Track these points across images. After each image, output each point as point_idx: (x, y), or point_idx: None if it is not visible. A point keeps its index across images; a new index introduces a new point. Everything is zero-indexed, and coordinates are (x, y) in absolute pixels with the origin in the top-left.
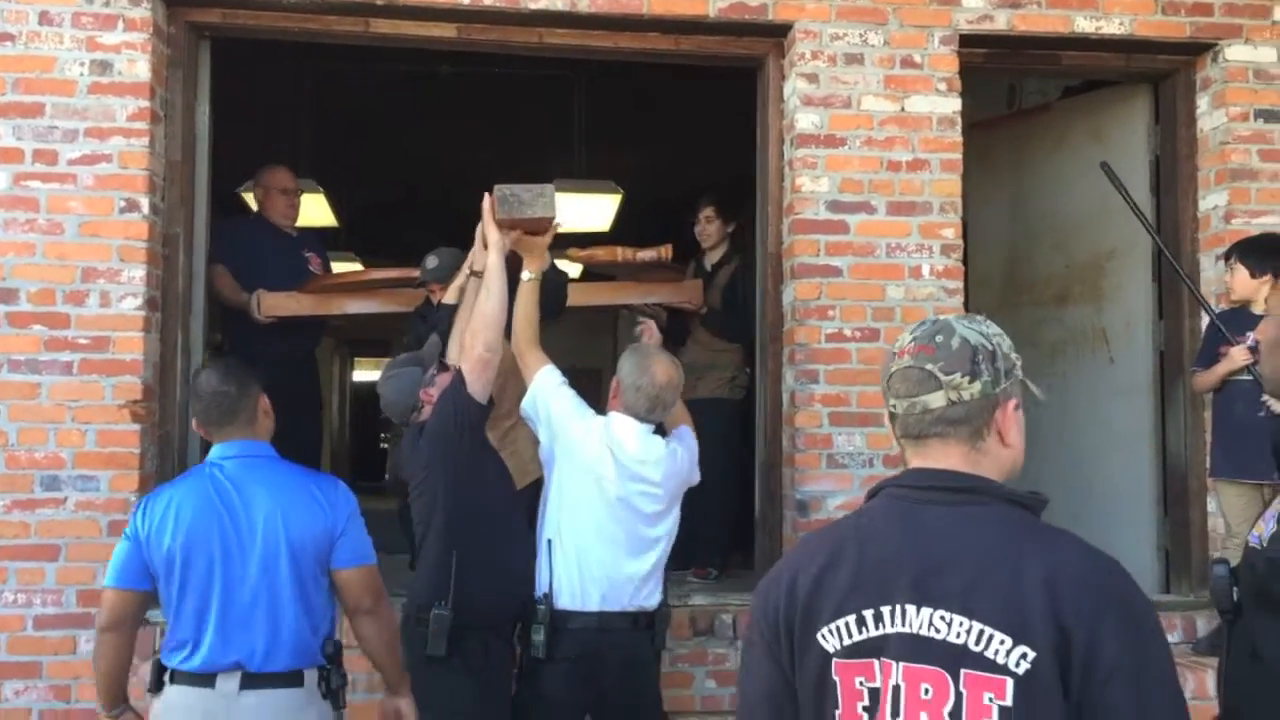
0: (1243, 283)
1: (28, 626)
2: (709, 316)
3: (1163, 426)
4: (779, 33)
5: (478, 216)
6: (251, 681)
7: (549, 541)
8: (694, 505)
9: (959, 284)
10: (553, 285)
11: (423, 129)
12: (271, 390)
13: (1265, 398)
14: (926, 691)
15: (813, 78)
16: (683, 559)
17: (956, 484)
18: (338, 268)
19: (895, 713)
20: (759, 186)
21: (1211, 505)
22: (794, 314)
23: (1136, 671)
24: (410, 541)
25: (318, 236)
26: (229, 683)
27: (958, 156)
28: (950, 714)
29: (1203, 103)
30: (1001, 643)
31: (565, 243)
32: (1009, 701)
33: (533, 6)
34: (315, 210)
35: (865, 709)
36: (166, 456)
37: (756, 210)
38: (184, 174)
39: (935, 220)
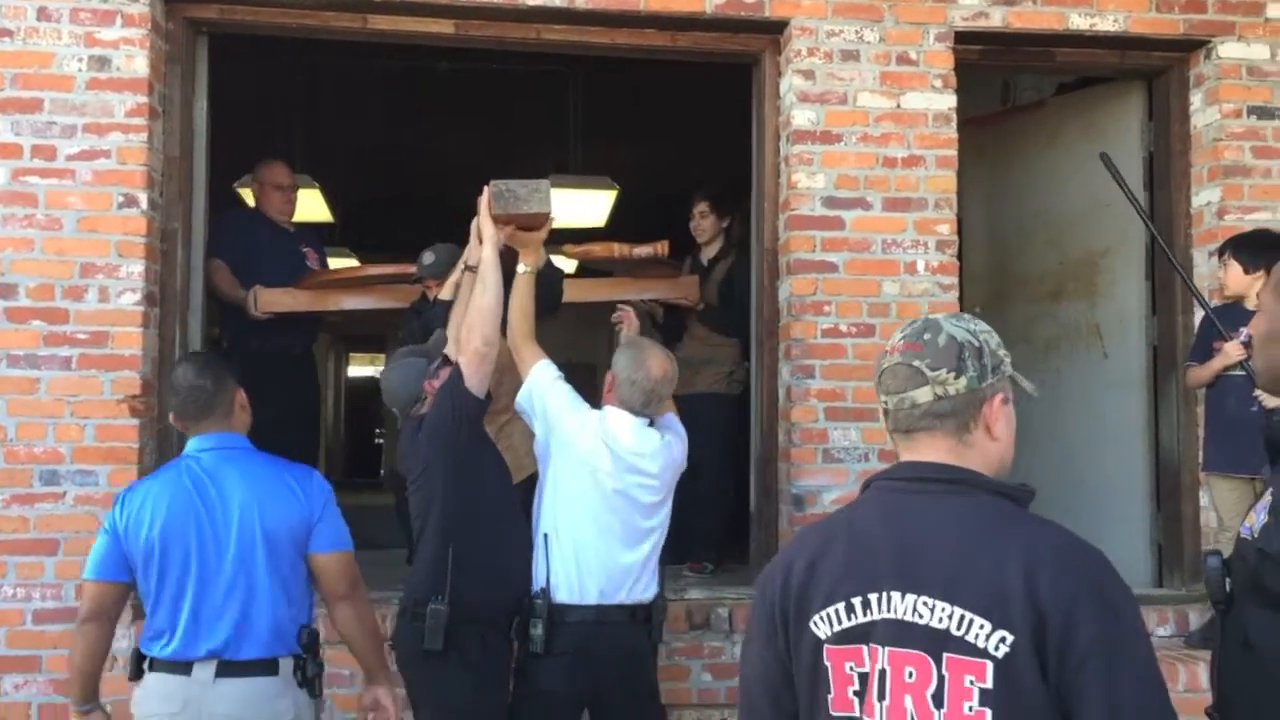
0: (1236, 278)
1: (27, 620)
2: (706, 312)
3: (1156, 421)
4: (775, 29)
5: (473, 212)
6: (227, 669)
7: (545, 536)
8: (690, 499)
9: (954, 280)
10: (549, 282)
11: (419, 124)
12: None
13: (1257, 393)
14: (910, 674)
15: (809, 74)
16: (679, 553)
17: (942, 476)
18: (333, 263)
19: (881, 696)
20: (755, 182)
21: (1204, 500)
22: (790, 309)
23: (1111, 654)
24: (408, 536)
25: (315, 232)
26: (205, 670)
27: (953, 153)
28: (933, 696)
29: (1196, 99)
30: (981, 627)
31: (561, 239)
32: (989, 684)
33: (530, 3)
34: (311, 205)
35: (855, 693)
36: (165, 451)
37: (752, 206)
38: (182, 169)
39: (930, 216)
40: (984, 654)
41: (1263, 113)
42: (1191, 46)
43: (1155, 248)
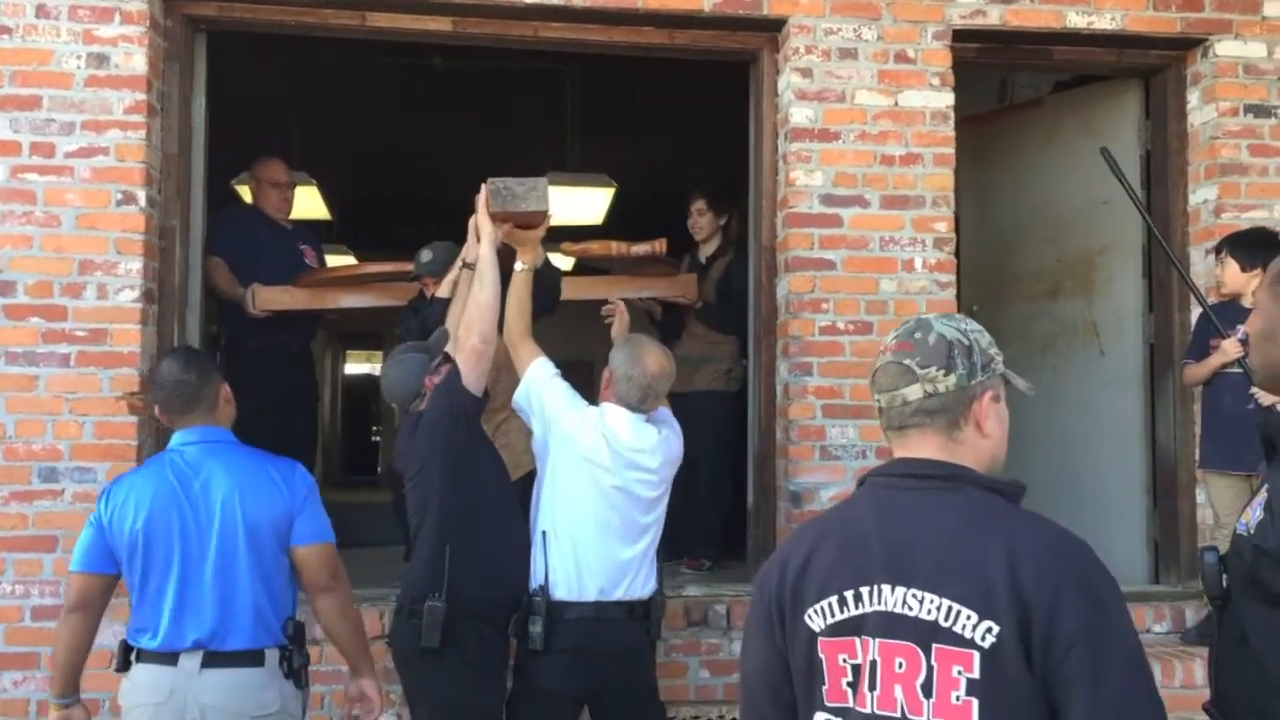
0: (1233, 276)
1: (26, 617)
2: (704, 309)
3: (1152, 419)
4: (773, 27)
5: (471, 210)
6: (213, 660)
7: (544, 533)
8: (688, 497)
9: (951, 277)
10: (547, 281)
11: (416, 121)
12: (267, 384)
13: (1254, 390)
14: (900, 665)
15: (807, 72)
16: (675, 548)
17: (933, 471)
18: (331, 261)
19: (873, 686)
20: (753, 180)
21: (1200, 497)
22: (788, 307)
23: (1094, 643)
24: (405, 533)
25: (312, 229)
26: (191, 661)
27: (950, 151)
28: (922, 686)
29: (1193, 98)
30: (968, 618)
31: (559, 236)
32: (976, 674)
33: (528, 0)
34: (308, 203)
35: (849, 684)
36: (163, 448)
37: (750, 204)
38: (180, 167)
39: (928, 214)
40: (971, 644)
41: (1259, 111)
42: (1188, 45)
43: (1152, 245)
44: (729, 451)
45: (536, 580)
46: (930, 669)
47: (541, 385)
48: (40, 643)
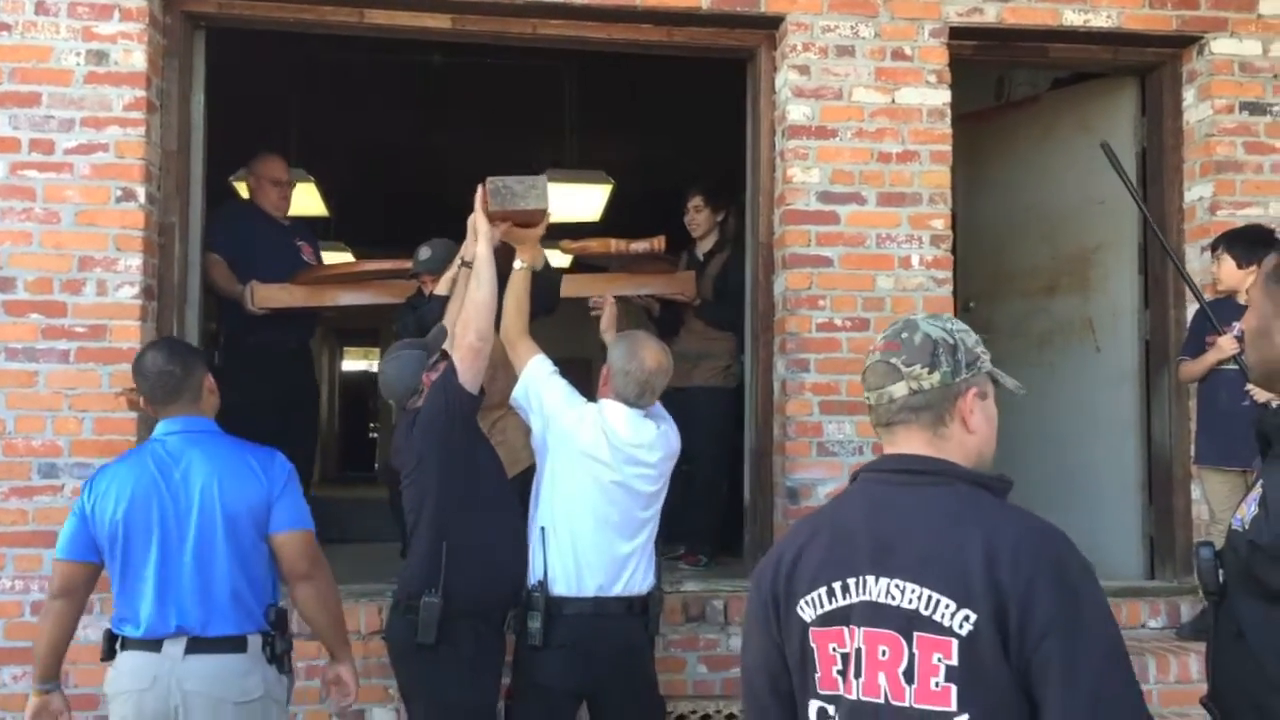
0: (1230, 273)
1: (25, 612)
2: (701, 306)
3: (1148, 415)
4: (771, 25)
5: (469, 207)
6: (196, 646)
7: (543, 529)
8: (686, 492)
9: (948, 274)
10: (546, 282)
11: (414, 118)
12: (266, 381)
13: (1249, 386)
14: (884, 653)
15: (804, 69)
16: (672, 542)
17: (918, 466)
18: (328, 257)
19: (858, 673)
20: (750, 177)
21: (1195, 492)
22: (785, 304)
23: (1068, 630)
24: (401, 530)
25: (309, 225)
26: (175, 647)
27: (947, 148)
28: (904, 673)
29: (1189, 95)
30: (947, 607)
31: (557, 233)
32: (955, 661)
33: None
34: (305, 199)
35: (839, 672)
36: None
37: (747, 201)
38: (180, 163)
39: (925, 211)
40: (950, 632)
41: (1255, 108)
42: (1184, 43)
43: (1148, 242)
44: (727, 448)
45: (535, 576)
46: (912, 656)
47: (540, 382)
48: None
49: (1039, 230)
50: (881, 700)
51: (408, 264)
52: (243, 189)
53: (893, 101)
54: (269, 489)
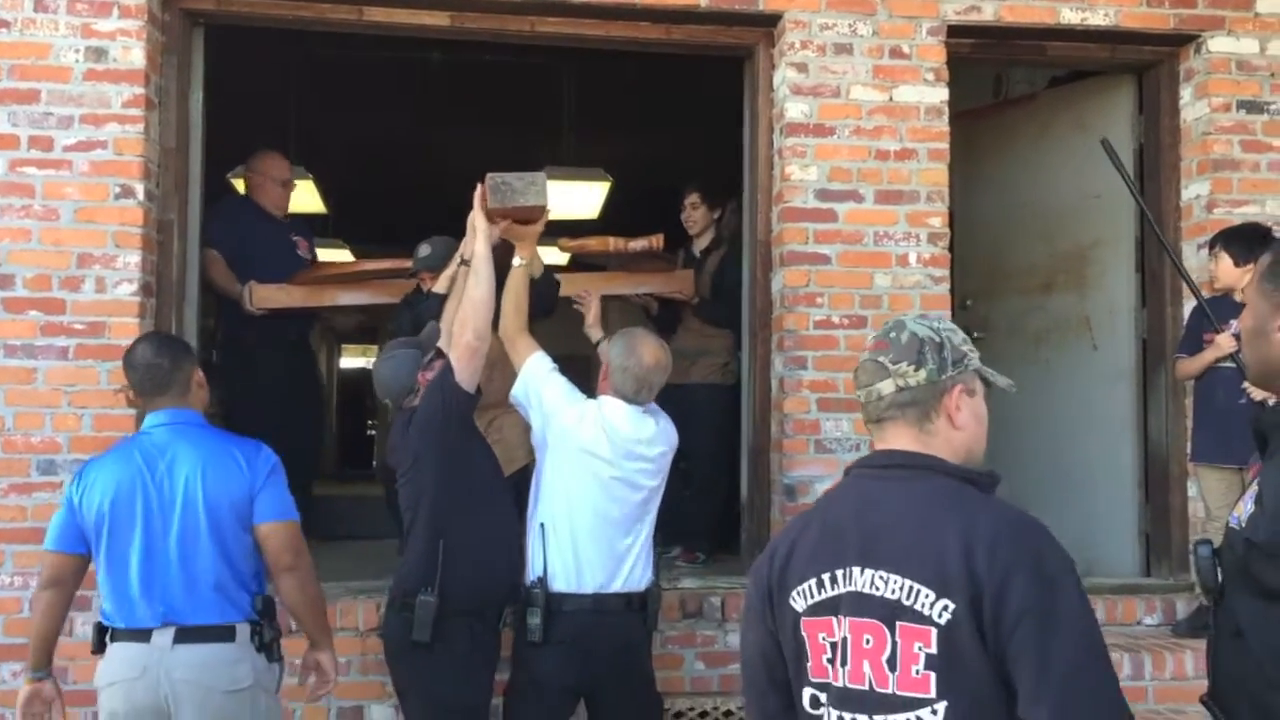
0: (1227, 271)
1: (24, 609)
2: (699, 304)
3: (1144, 412)
4: (769, 22)
5: (468, 204)
6: (184, 635)
7: (542, 525)
8: (684, 489)
9: (945, 272)
10: (544, 285)
11: (412, 115)
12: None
13: (1246, 384)
14: (868, 641)
15: (802, 67)
16: (669, 538)
17: (905, 461)
18: (326, 255)
19: (845, 661)
20: (748, 175)
21: (1192, 490)
22: (783, 301)
23: (1042, 619)
24: (398, 528)
25: (305, 221)
26: (163, 637)
27: (945, 146)
28: (887, 661)
29: (1186, 94)
30: (927, 597)
31: (555, 231)
32: (934, 649)
33: None
34: (304, 196)
35: (828, 660)
36: None
37: (745, 198)
38: (178, 161)
39: (922, 209)
40: (929, 621)
41: (1252, 107)
42: (1182, 41)
43: (1145, 240)
44: (725, 445)
45: (534, 572)
46: (894, 644)
47: (539, 380)
48: None
49: (1036, 228)
50: (866, 687)
51: (407, 262)
52: (241, 186)
53: (890, 99)
54: (251, 481)
